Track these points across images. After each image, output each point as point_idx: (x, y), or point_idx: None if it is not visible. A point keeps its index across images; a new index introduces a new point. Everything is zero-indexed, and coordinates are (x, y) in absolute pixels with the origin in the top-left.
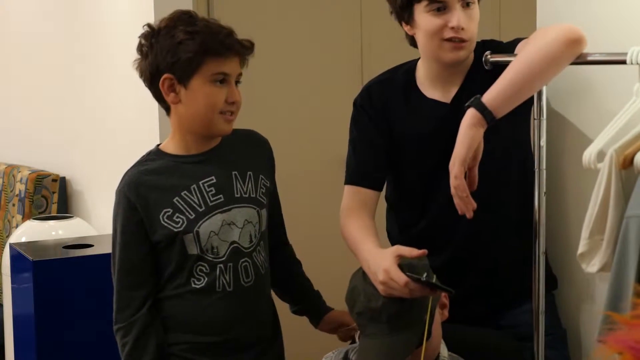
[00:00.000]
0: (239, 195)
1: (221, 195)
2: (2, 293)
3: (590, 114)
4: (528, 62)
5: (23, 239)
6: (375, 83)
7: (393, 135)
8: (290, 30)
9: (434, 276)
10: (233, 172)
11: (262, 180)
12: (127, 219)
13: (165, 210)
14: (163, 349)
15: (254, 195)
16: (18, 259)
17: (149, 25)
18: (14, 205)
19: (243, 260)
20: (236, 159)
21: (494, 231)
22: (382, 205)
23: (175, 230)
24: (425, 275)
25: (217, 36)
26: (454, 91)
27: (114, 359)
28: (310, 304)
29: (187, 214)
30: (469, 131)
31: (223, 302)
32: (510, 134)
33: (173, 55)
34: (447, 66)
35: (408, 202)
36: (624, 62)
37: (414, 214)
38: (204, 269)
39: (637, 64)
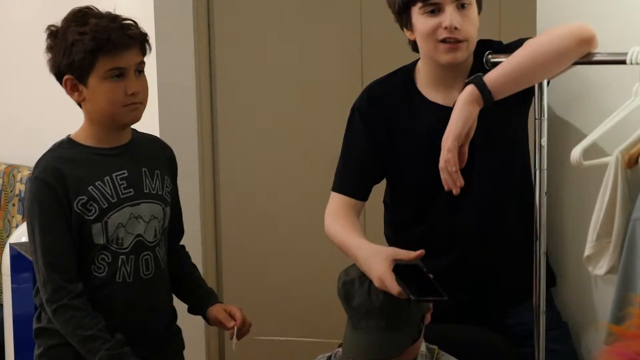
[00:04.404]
0: (147, 191)
1: (132, 190)
2: (2, 293)
3: (590, 114)
4: (535, 51)
5: (23, 239)
6: (375, 84)
7: (392, 137)
8: (290, 32)
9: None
10: (143, 169)
11: (167, 181)
12: (48, 203)
13: (80, 197)
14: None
15: (160, 193)
16: (18, 259)
17: (50, 26)
18: (14, 205)
19: (145, 253)
20: (145, 158)
21: (496, 231)
22: (379, 209)
23: (87, 218)
24: (412, 293)
25: (105, 33)
26: (456, 95)
27: None
28: (202, 295)
29: (100, 203)
30: (466, 107)
31: (122, 292)
32: (512, 135)
33: (69, 57)
34: (446, 68)
35: (408, 205)
36: (623, 62)
37: (414, 217)
38: (106, 258)
39: (637, 64)
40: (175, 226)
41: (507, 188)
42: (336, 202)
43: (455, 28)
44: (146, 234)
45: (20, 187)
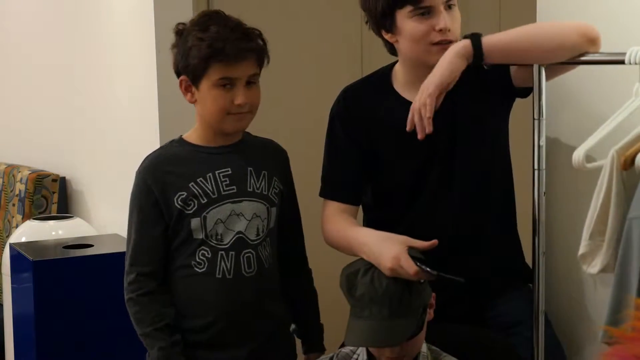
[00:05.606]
0: (251, 190)
1: (234, 187)
2: (2, 293)
3: (586, 115)
4: (537, 31)
5: (23, 239)
6: (350, 88)
7: (371, 137)
8: (291, 31)
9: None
10: (249, 168)
11: (276, 182)
12: (144, 200)
13: (180, 193)
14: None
15: (266, 193)
16: (18, 259)
17: (179, 24)
18: (14, 205)
19: (247, 251)
20: (253, 158)
21: (477, 230)
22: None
23: (186, 212)
24: (435, 270)
25: (223, 42)
26: None
27: (114, 358)
28: (308, 333)
29: (200, 199)
30: (455, 59)
31: (222, 287)
32: (495, 134)
33: (186, 59)
34: (430, 69)
35: (388, 204)
36: (622, 62)
37: (393, 218)
38: (206, 253)
39: (636, 64)
40: (289, 229)
41: (488, 187)
42: (330, 209)
43: (449, 30)
44: (247, 231)
45: (20, 187)
